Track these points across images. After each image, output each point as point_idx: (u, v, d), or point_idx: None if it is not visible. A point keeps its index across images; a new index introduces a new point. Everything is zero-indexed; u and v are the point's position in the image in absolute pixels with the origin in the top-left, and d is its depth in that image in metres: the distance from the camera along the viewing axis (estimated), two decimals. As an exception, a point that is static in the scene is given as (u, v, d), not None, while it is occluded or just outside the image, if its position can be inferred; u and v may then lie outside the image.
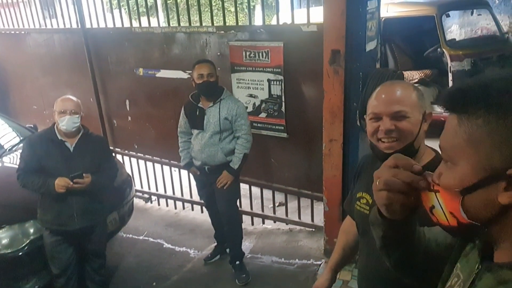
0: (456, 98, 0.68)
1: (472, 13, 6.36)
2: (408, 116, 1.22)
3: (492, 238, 0.70)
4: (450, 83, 5.23)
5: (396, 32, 5.97)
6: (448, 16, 5.82)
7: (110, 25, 4.17)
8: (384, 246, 0.97)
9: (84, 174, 2.53)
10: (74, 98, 2.67)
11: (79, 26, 4.29)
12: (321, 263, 3.25)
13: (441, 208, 0.71)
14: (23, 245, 2.72)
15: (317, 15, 3.07)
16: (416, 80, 5.62)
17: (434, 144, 1.11)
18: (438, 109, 4.39)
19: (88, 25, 4.32)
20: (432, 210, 0.74)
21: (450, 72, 5.27)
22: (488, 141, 0.62)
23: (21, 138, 3.67)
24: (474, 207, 0.66)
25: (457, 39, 6.24)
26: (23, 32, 4.90)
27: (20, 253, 2.70)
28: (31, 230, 2.78)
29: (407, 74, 5.60)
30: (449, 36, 6.07)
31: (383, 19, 5.64)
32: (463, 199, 0.66)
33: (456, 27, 7.24)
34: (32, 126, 4.03)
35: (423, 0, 6.21)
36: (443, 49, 5.38)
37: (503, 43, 5.86)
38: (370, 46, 2.81)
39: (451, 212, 0.69)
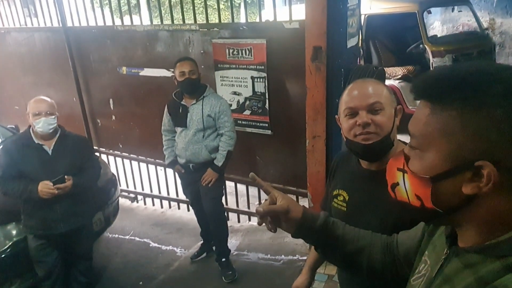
0: (432, 87, 0.68)
1: (453, 10, 6.46)
2: (383, 108, 1.24)
3: (454, 224, 0.73)
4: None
5: (379, 28, 6.03)
6: (429, 12, 5.91)
7: (92, 23, 4.12)
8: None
9: (66, 177, 2.48)
10: (47, 99, 2.59)
11: (60, 25, 4.24)
12: (306, 259, 3.27)
13: (405, 188, 0.74)
14: (5, 247, 2.67)
15: (300, 13, 3.08)
16: (399, 76, 5.69)
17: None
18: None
19: (69, 24, 4.27)
20: (395, 187, 0.77)
21: (432, 68, 5.35)
22: (460, 132, 0.63)
23: (2, 139, 3.60)
24: (441, 195, 0.68)
25: (438, 36, 6.34)
26: (2, 31, 4.81)
27: (3, 255, 2.65)
28: (14, 232, 2.74)
29: (390, 70, 5.67)
30: (431, 33, 6.16)
31: (366, 16, 5.70)
32: (432, 186, 0.68)
33: (437, 23, 7.35)
34: (13, 126, 3.97)
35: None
36: (425, 46, 5.46)
37: (483, 39, 5.97)
38: (352, 42, 2.84)
39: (417, 195, 0.71)
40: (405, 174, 0.74)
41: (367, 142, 1.24)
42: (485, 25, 6.51)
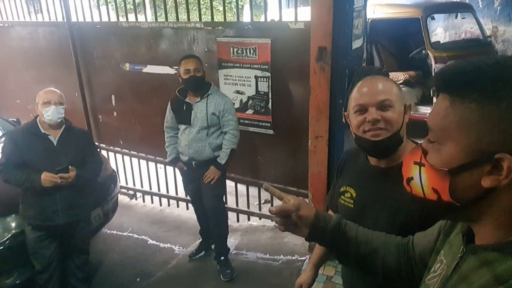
0: (451, 80, 0.68)
1: (456, 17, 6.47)
2: (392, 105, 1.24)
3: (470, 219, 0.72)
4: (434, 85, 5.31)
5: (382, 33, 6.04)
6: (433, 18, 5.93)
7: (96, 19, 4.12)
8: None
9: (69, 167, 2.50)
10: (57, 90, 2.65)
11: (65, 20, 4.24)
12: (305, 259, 3.26)
13: (421, 182, 0.73)
14: (4, 239, 2.66)
15: (304, 15, 3.09)
16: (401, 81, 5.69)
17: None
18: (422, 109, 4.45)
19: (74, 19, 4.27)
20: (410, 181, 0.76)
21: (434, 73, 5.35)
22: (479, 125, 0.63)
23: (4, 132, 3.60)
24: (459, 188, 0.68)
25: (441, 42, 6.34)
26: (6, 25, 4.81)
27: (1, 247, 2.64)
28: (13, 224, 2.73)
29: (392, 75, 5.67)
30: (433, 39, 6.17)
31: (369, 20, 5.71)
32: (451, 179, 0.68)
33: (440, 30, 7.36)
34: (15, 120, 3.97)
35: (409, 3, 6.30)
36: (428, 51, 5.46)
37: (486, 46, 5.98)
38: (356, 44, 2.84)
39: (434, 188, 0.71)
40: (422, 168, 0.73)
41: (376, 138, 1.24)
42: (488, 32, 6.53)
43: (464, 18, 6.53)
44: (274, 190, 1.07)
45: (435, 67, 5.36)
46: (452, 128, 0.67)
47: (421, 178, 0.73)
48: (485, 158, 0.63)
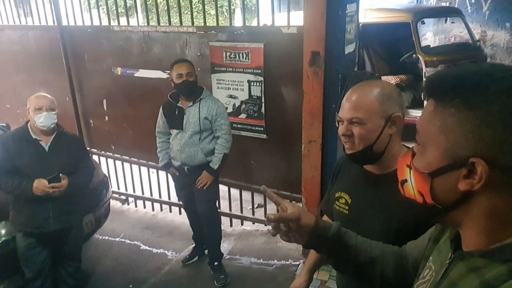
0: (436, 86, 0.71)
1: (446, 21, 6.55)
2: (363, 122, 1.24)
3: (454, 223, 0.74)
4: (425, 89, 5.36)
5: (373, 37, 6.09)
6: (423, 23, 5.98)
7: (87, 23, 4.10)
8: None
9: (60, 175, 2.46)
10: (48, 95, 2.61)
11: (56, 23, 4.20)
12: (299, 264, 3.26)
13: (411, 184, 0.76)
14: (-6, 246, 2.62)
15: (296, 19, 3.10)
16: (392, 85, 5.73)
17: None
18: (413, 113, 4.48)
19: (65, 23, 4.23)
20: (404, 184, 0.79)
21: (425, 77, 5.40)
22: (457, 130, 0.65)
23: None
24: (439, 191, 0.71)
25: (431, 46, 6.41)
26: (-4, 29, 4.76)
27: (-9, 255, 2.61)
28: (3, 231, 2.69)
29: (383, 79, 5.71)
30: (423, 43, 6.23)
31: (360, 24, 5.74)
32: (432, 182, 0.71)
33: (430, 34, 7.45)
34: (4, 125, 3.90)
35: (400, 7, 6.36)
36: (418, 55, 5.51)
37: (475, 50, 6.05)
38: (349, 48, 2.86)
39: (419, 190, 0.74)
40: (411, 171, 0.76)
41: (348, 151, 1.30)
42: (477, 36, 6.62)
43: (454, 22, 6.62)
44: (271, 194, 1.07)
45: (425, 71, 5.41)
46: (434, 132, 0.69)
47: (411, 181, 0.76)
48: (461, 162, 0.66)
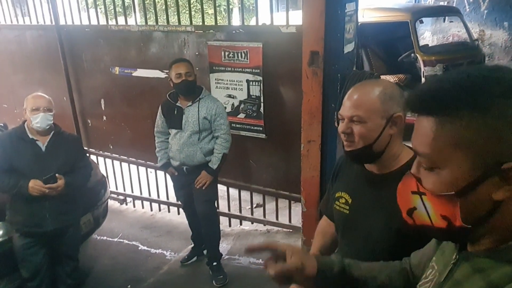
0: (432, 101, 0.66)
1: (444, 20, 6.56)
2: (364, 121, 1.24)
3: (476, 236, 0.70)
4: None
5: (371, 37, 6.09)
6: (421, 22, 5.98)
7: (85, 22, 4.08)
8: None
9: (57, 175, 2.45)
10: (46, 95, 2.60)
11: (53, 23, 4.18)
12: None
13: (426, 210, 0.71)
14: (-9, 247, 2.61)
15: (294, 18, 3.09)
16: (391, 84, 5.72)
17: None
18: (412, 112, 4.45)
19: (62, 22, 4.22)
20: (412, 213, 0.73)
21: (423, 77, 5.41)
22: (476, 140, 0.62)
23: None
24: (470, 208, 0.66)
25: (429, 45, 6.42)
26: (-7, 28, 4.73)
27: (-12, 255, 2.59)
28: (0, 231, 2.67)
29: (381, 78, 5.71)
30: (422, 42, 6.24)
31: (359, 24, 5.73)
32: (460, 201, 0.66)
33: (428, 33, 7.46)
34: (2, 124, 3.88)
35: (398, 7, 6.35)
36: (417, 55, 5.51)
37: (473, 49, 6.06)
38: (348, 48, 2.85)
39: (443, 215, 0.68)
40: (423, 197, 0.70)
41: (347, 148, 1.30)
42: (475, 36, 6.63)
43: (452, 22, 6.63)
44: (260, 245, 1.05)
45: (424, 70, 5.42)
46: (448, 150, 0.65)
47: (425, 207, 0.70)
48: (491, 171, 0.62)
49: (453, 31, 7.06)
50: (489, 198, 0.64)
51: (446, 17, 6.73)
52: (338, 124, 1.39)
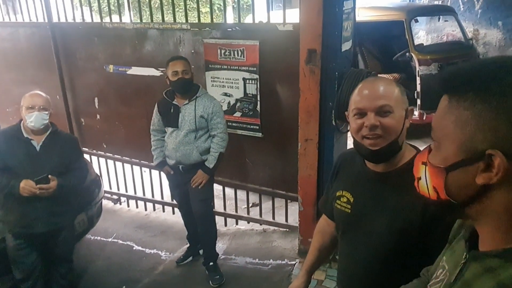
0: (449, 80, 0.71)
1: (439, 19, 6.58)
2: (392, 111, 1.20)
3: (470, 218, 0.73)
4: (418, 87, 5.39)
5: (366, 36, 6.09)
6: (416, 21, 5.99)
7: (79, 20, 4.03)
8: None
9: (50, 176, 2.40)
10: (43, 94, 2.56)
11: (46, 20, 4.12)
12: (295, 263, 3.24)
13: (426, 181, 0.75)
14: (-17, 248, 2.56)
15: (289, 17, 3.07)
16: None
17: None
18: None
19: (55, 20, 4.16)
20: (419, 181, 0.78)
21: (418, 76, 5.41)
22: (473, 123, 0.64)
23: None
24: (455, 186, 0.70)
25: (424, 44, 6.43)
26: (-16, 25, 4.65)
27: (-19, 256, 2.54)
28: (-8, 233, 2.63)
29: (377, 77, 5.71)
30: (416, 42, 6.25)
31: (354, 22, 5.73)
32: (446, 177, 0.70)
33: (422, 33, 7.48)
34: (-7, 123, 3.83)
35: (393, 6, 6.36)
36: (412, 54, 5.52)
37: (468, 48, 6.09)
38: (346, 46, 2.84)
39: (434, 186, 0.73)
40: (426, 167, 0.75)
41: (374, 147, 1.21)
42: (469, 35, 6.65)
43: (446, 21, 6.65)
44: None
45: (419, 69, 5.42)
46: (449, 127, 0.68)
47: (426, 178, 0.75)
48: (478, 156, 0.65)
49: (447, 30, 7.08)
50: (473, 181, 0.66)
51: (441, 16, 6.75)
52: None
